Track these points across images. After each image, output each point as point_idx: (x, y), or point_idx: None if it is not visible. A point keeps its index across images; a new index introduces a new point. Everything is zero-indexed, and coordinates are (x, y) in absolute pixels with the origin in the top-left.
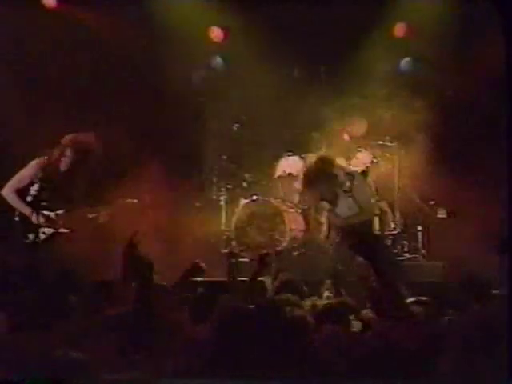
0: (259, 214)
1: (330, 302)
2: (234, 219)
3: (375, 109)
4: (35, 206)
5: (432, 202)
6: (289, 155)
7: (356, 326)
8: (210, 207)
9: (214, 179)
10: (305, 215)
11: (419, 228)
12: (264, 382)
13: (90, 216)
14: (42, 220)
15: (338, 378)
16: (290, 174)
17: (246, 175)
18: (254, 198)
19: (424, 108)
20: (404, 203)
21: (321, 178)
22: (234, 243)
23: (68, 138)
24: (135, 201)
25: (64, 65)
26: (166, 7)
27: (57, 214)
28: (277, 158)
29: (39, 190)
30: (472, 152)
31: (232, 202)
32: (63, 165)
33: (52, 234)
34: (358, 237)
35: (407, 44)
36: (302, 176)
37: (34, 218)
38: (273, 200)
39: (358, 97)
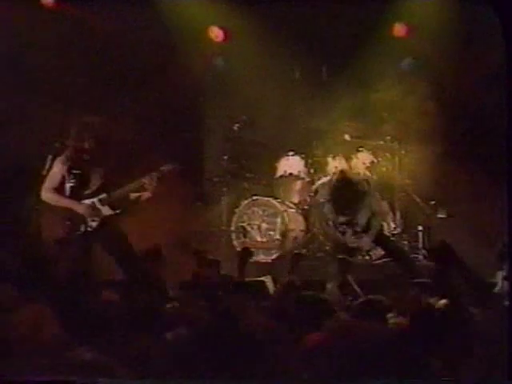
0: (260, 214)
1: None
2: (234, 219)
3: (376, 109)
4: (76, 197)
5: (432, 202)
6: (289, 155)
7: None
8: (211, 207)
9: (215, 179)
10: (305, 215)
11: (420, 228)
12: None
13: (133, 196)
14: (88, 209)
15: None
16: (290, 174)
17: (247, 175)
18: (255, 198)
19: (425, 108)
20: (404, 203)
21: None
22: (235, 243)
23: (77, 123)
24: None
25: (63, 62)
26: (166, 7)
27: (100, 200)
28: (277, 157)
29: (74, 181)
30: (474, 152)
31: (233, 201)
32: (85, 149)
33: (102, 220)
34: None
35: (408, 44)
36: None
37: (80, 209)
38: (273, 200)
39: (359, 97)
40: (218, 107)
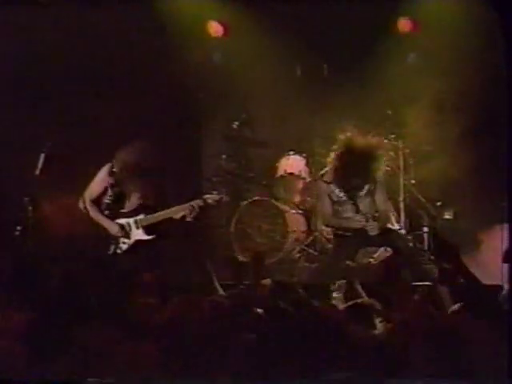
0: (260, 214)
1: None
2: (233, 220)
3: (380, 106)
4: (112, 214)
5: (439, 203)
6: (290, 154)
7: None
8: (210, 208)
9: (214, 179)
10: (307, 216)
11: (425, 229)
12: None
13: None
14: (121, 230)
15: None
16: (291, 173)
17: (247, 175)
18: (255, 198)
19: (430, 105)
20: (409, 203)
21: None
22: (234, 245)
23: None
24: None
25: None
26: (163, 1)
27: (136, 221)
28: (278, 157)
29: (113, 198)
30: (481, 151)
31: (232, 202)
32: (131, 165)
33: (135, 243)
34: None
35: (413, 39)
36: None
37: (113, 228)
38: (274, 200)
39: (362, 94)
40: (217, 105)
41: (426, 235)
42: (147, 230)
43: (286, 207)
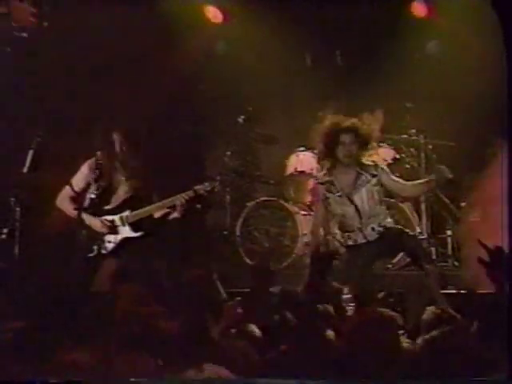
0: (267, 216)
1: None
2: (239, 222)
3: (398, 98)
4: (96, 211)
5: (463, 204)
6: (300, 151)
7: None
8: (213, 209)
9: (217, 178)
10: None
11: (449, 233)
12: None
13: (157, 215)
14: (106, 227)
15: None
16: (302, 171)
17: (253, 173)
18: (262, 198)
19: (454, 96)
20: (432, 205)
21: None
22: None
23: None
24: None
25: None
26: None
27: (122, 218)
28: (287, 154)
29: (97, 192)
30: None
31: (237, 203)
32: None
33: (121, 242)
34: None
35: (433, 25)
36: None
37: (97, 225)
38: (282, 201)
39: (378, 85)
40: (220, 97)
41: (449, 239)
42: (135, 226)
43: (295, 208)
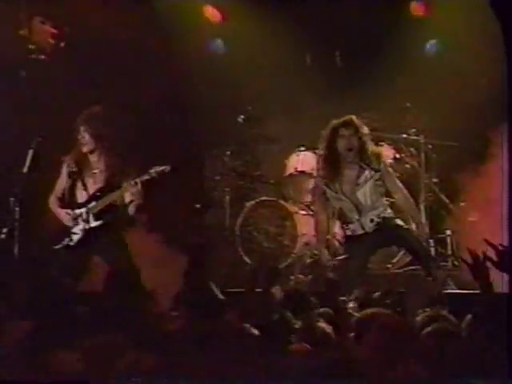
0: (267, 216)
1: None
2: (238, 222)
3: (398, 97)
4: (70, 206)
5: (463, 204)
6: (301, 150)
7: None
8: (212, 209)
9: (216, 177)
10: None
11: (448, 232)
12: None
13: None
14: (71, 220)
15: None
16: (302, 171)
17: (252, 173)
18: (262, 198)
19: (454, 96)
20: (431, 205)
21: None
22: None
23: (80, 118)
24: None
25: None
26: None
27: (88, 209)
28: (287, 153)
29: (71, 186)
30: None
31: (236, 203)
32: (87, 150)
33: (86, 233)
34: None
35: (432, 24)
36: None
37: (66, 220)
38: (282, 201)
39: (378, 84)
40: (219, 97)
41: (449, 239)
42: (97, 216)
43: (295, 208)
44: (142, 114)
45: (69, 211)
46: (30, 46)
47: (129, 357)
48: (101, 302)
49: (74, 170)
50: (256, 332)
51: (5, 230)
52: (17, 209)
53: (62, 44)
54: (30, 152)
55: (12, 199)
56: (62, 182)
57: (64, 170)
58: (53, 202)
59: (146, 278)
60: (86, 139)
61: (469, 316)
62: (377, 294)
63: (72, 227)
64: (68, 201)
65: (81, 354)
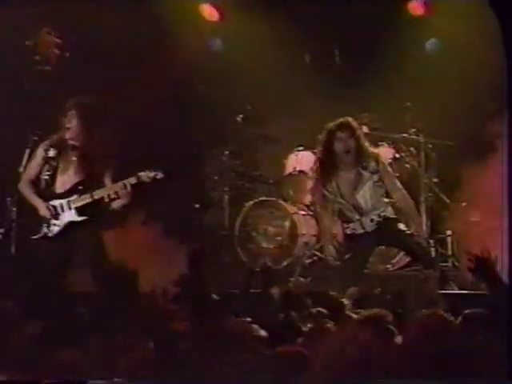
0: (266, 216)
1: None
2: (237, 223)
3: (398, 97)
4: (48, 194)
5: (464, 204)
6: (300, 150)
7: None
8: (211, 209)
9: (215, 177)
10: (318, 218)
11: (448, 232)
12: None
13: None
14: (50, 211)
15: None
16: (301, 171)
17: (251, 173)
18: (261, 198)
19: (454, 95)
20: (431, 205)
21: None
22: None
23: (70, 102)
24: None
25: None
26: None
27: (69, 202)
28: (286, 153)
29: (50, 174)
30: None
31: (235, 203)
32: (70, 136)
33: (66, 225)
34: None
35: (432, 23)
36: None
37: (42, 210)
38: (281, 201)
39: (378, 83)
40: (218, 96)
41: (449, 239)
42: (80, 211)
43: (294, 208)
44: (141, 113)
45: (45, 202)
46: (36, 57)
47: (129, 357)
48: (100, 302)
49: (52, 155)
50: (256, 332)
51: (1, 231)
52: (14, 209)
53: (67, 54)
54: (27, 151)
55: (9, 199)
56: (35, 165)
57: (39, 153)
58: (24, 186)
59: (145, 278)
60: (72, 123)
61: (469, 316)
62: (376, 291)
63: (49, 218)
64: (43, 188)
65: (80, 354)
